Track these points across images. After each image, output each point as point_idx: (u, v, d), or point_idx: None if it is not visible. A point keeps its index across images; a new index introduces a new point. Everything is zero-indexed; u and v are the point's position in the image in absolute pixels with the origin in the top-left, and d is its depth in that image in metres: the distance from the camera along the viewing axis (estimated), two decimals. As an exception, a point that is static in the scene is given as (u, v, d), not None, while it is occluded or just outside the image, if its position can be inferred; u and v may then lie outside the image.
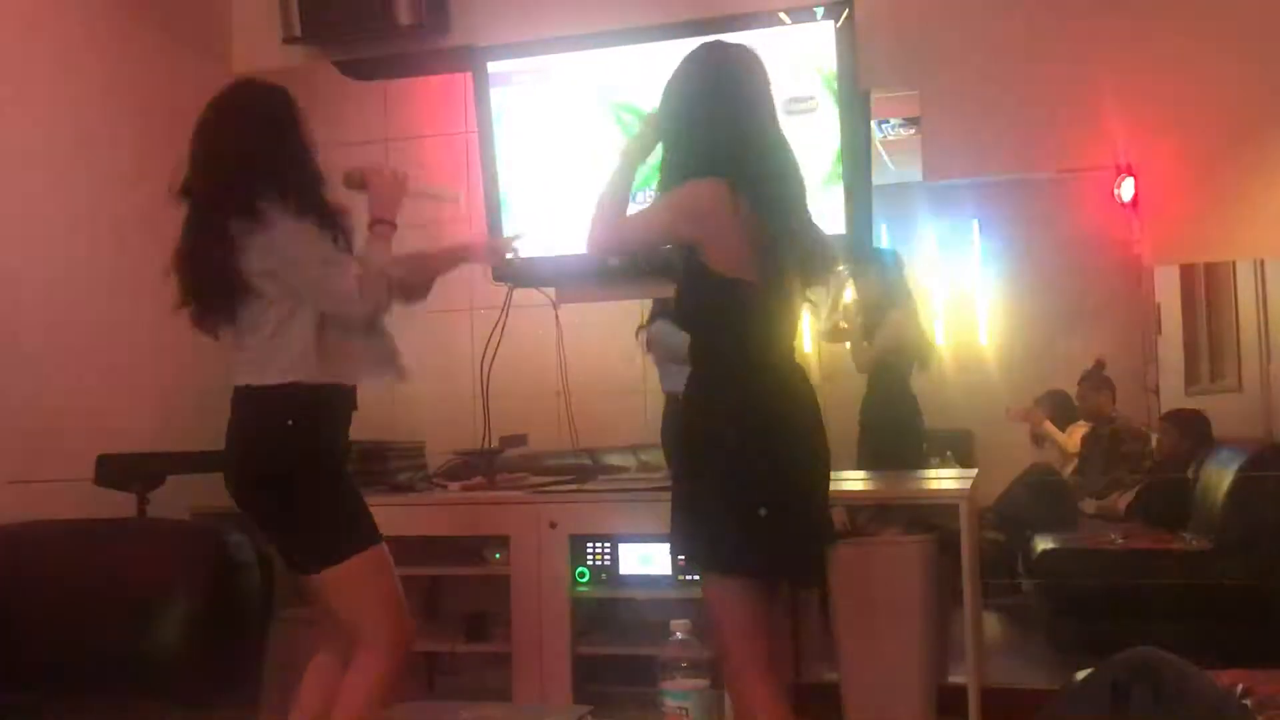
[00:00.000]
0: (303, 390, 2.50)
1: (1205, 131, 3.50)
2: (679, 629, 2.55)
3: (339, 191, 2.65)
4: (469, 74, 3.83)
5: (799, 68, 3.43)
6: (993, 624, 4.15)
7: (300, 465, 2.51)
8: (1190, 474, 4.18)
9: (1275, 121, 3.46)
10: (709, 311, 2.44)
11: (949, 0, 3.69)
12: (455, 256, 2.88)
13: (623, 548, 3.39)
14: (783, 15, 3.47)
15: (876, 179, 3.70)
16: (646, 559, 3.36)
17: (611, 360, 4.00)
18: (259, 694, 2.82)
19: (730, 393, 2.40)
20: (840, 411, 4.04)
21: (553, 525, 3.40)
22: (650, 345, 3.78)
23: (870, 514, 3.58)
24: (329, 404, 2.56)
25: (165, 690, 2.66)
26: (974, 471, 3.86)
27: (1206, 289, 4.37)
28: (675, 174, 2.45)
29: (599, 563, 3.40)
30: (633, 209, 2.56)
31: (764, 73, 2.48)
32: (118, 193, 3.69)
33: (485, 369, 3.60)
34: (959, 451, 4.46)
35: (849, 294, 4.40)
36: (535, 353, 3.84)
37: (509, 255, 3.31)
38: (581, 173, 3.44)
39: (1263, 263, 3.98)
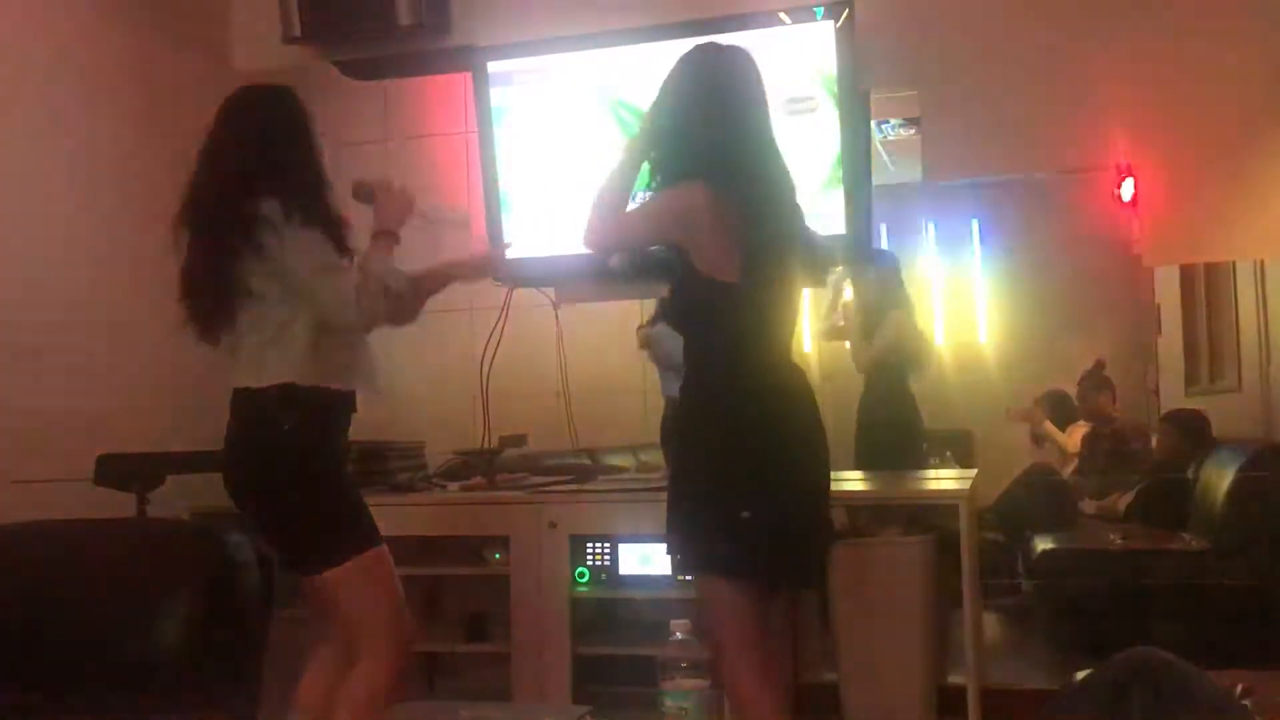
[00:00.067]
0: (300, 393, 2.50)
1: (1205, 131, 3.50)
2: (678, 629, 2.55)
3: (344, 200, 2.65)
4: (469, 74, 3.83)
5: (799, 68, 3.43)
6: (992, 624, 4.15)
7: (298, 467, 2.51)
8: (1190, 474, 4.18)
9: (1275, 121, 3.46)
10: (698, 313, 2.45)
11: (949, 1, 3.69)
12: (448, 275, 2.86)
13: (622, 548, 3.39)
14: (783, 15, 3.47)
15: (876, 179, 3.70)
16: (646, 559, 3.36)
17: (611, 360, 4.01)
18: (259, 694, 2.82)
19: (720, 394, 2.40)
20: (839, 411, 4.05)
21: (552, 525, 3.40)
22: (646, 344, 3.78)
23: (870, 514, 3.58)
24: (327, 406, 2.56)
25: (165, 690, 2.66)
26: (973, 471, 3.86)
27: (1206, 289, 4.38)
28: (667, 175, 2.45)
29: (599, 563, 3.40)
30: (632, 208, 2.56)
31: (757, 75, 2.47)
32: (117, 193, 3.69)
33: (485, 369, 3.60)
34: (958, 451, 4.46)
35: (848, 293, 4.40)
36: (535, 353, 3.85)
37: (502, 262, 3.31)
38: (581, 172, 3.43)
39: (1263, 263, 3.98)
